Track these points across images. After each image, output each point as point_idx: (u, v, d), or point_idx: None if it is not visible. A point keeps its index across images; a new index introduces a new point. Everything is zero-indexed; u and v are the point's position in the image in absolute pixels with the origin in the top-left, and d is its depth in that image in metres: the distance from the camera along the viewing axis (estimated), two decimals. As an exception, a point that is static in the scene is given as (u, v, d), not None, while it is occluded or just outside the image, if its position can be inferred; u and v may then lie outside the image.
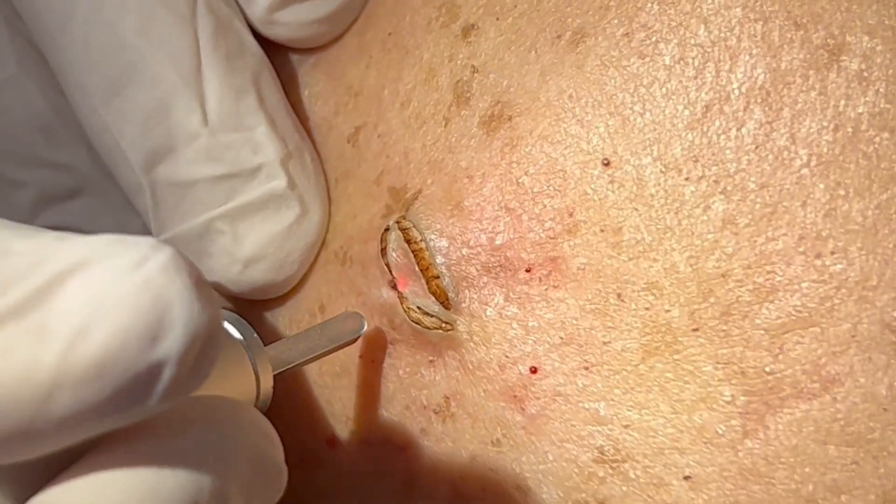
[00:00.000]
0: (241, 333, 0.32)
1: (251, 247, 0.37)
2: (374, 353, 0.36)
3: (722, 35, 0.32)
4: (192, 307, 0.22)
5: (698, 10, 0.32)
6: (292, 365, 0.34)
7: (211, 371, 0.23)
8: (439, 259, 0.35)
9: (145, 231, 0.40)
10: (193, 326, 0.22)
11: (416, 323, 0.35)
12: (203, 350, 0.22)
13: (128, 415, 0.22)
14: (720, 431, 0.32)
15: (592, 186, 0.33)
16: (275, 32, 0.40)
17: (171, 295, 0.22)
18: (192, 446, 0.25)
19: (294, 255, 0.38)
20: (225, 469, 0.25)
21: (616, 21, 0.33)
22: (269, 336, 0.39)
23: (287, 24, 0.39)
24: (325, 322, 0.35)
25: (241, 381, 0.31)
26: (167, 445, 0.24)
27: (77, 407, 0.21)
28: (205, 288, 0.23)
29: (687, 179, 0.32)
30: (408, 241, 0.35)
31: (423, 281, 0.35)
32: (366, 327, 0.35)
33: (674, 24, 0.32)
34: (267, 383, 0.32)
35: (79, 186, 0.43)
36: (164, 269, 0.22)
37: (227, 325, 0.33)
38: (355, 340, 0.35)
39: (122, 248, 0.22)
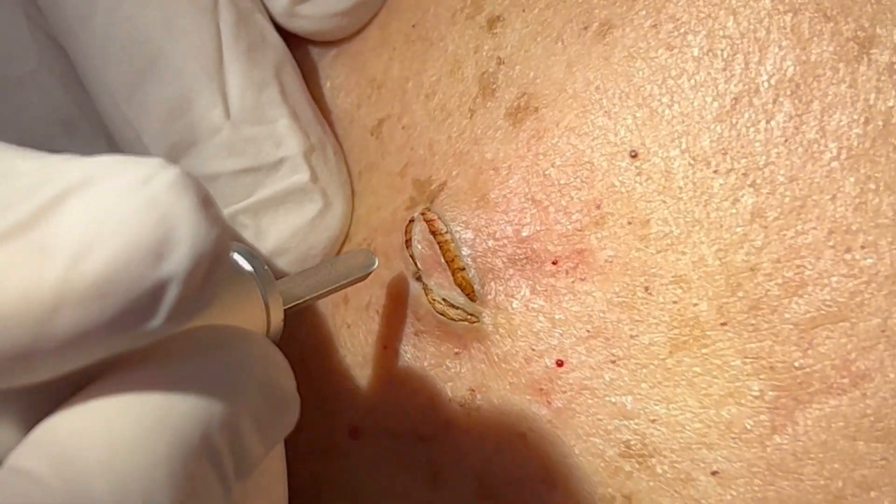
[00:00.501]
0: (252, 266, 0.31)
1: (274, 240, 0.37)
2: (399, 343, 0.36)
3: (751, 27, 0.32)
4: (198, 225, 0.21)
5: (727, 1, 0.32)
6: (303, 300, 0.33)
7: (218, 292, 0.23)
8: (465, 251, 0.35)
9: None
10: (200, 245, 0.21)
11: (442, 315, 0.35)
12: (210, 269, 0.22)
13: (133, 336, 0.22)
14: (748, 426, 0.32)
15: (620, 178, 0.33)
16: (297, 25, 0.40)
17: (178, 213, 0.21)
18: (202, 373, 0.24)
19: (317, 249, 0.38)
20: (236, 397, 0.25)
21: (644, 12, 0.33)
22: (293, 328, 0.39)
23: (309, 17, 0.39)
24: (335, 258, 0.35)
25: (250, 313, 0.31)
26: (178, 372, 0.24)
27: (81, 326, 0.21)
28: (212, 207, 0.22)
29: (716, 172, 0.32)
30: (433, 233, 0.35)
31: (449, 273, 0.35)
32: (376, 265, 0.35)
33: (702, 15, 0.32)
34: (277, 316, 0.32)
35: (100, 179, 0.42)
36: (170, 186, 0.21)
37: (238, 258, 0.32)
38: (366, 277, 0.35)
39: (128, 166, 0.22)
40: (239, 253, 0.32)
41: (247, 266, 0.31)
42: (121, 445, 0.22)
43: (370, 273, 0.35)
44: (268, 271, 0.32)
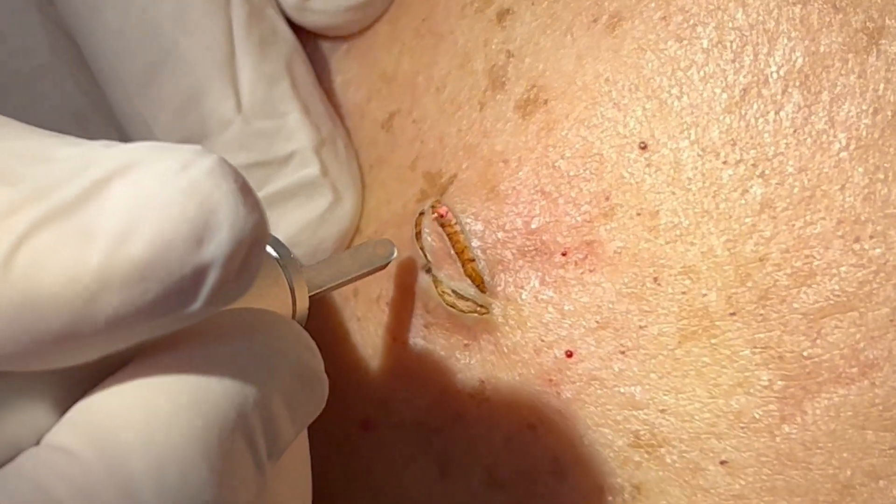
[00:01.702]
0: (279, 253, 0.32)
1: (284, 234, 0.38)
2: (409, 335, 0.36)
3: (760, 18, 0.32)
4: (237, 211, 0.22)
5: (736, -7, 0.32)
6: (325, 287, 0.33)
7: (256, 275, 0.23)
8: (475, 242, 0.35)
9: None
10: (239, 230, 0.22)
11: (451, 307, 0.35)
12: (248, 254, 0.22)
13: (173, 318, 0.22)
14: (757, 416, 0.32)
15: (629, 170, 0.33)
16: (308, 20, 0.40)
17: (217, 198, 0.22)
18: (236, 355, 0.25)
19: (327, 242, 0.38)
20: (269, 378, 0.25)
21: (653, 4, 0.33)
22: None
23: (320, 12, 0.40)
24: (356, 247, 0.35)
25: (277, 298, 0.31)
26: (213, 353, 0.24)
27: (122, 309, 0.21)
28: (250, 193, 0.22)
29: (724, 163, 0.32)
30: (443, 225, 0.35)
31: (459, 264, 0.35)
32: (396, 254, 0.35)
33: (712, 7, 0.32)
34: (303, 303, 0.32)
35: (112, 173, 0.43)
36: (209, 172, 0.22)
37: None
38: (386, 265, 0.35)
39: (168, 152, 0.22)
40: None
41: (273, 253, 0.32)
42: (157, 423, 0.23)
43: (391, 262, 0.35)
44: (294, 258, 0.32)
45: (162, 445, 0.22)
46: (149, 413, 0.23)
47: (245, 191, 0.22)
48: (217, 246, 0.22)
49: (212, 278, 0.22)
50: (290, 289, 0.31)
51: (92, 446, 0.22)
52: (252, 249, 0.22)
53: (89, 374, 0.24)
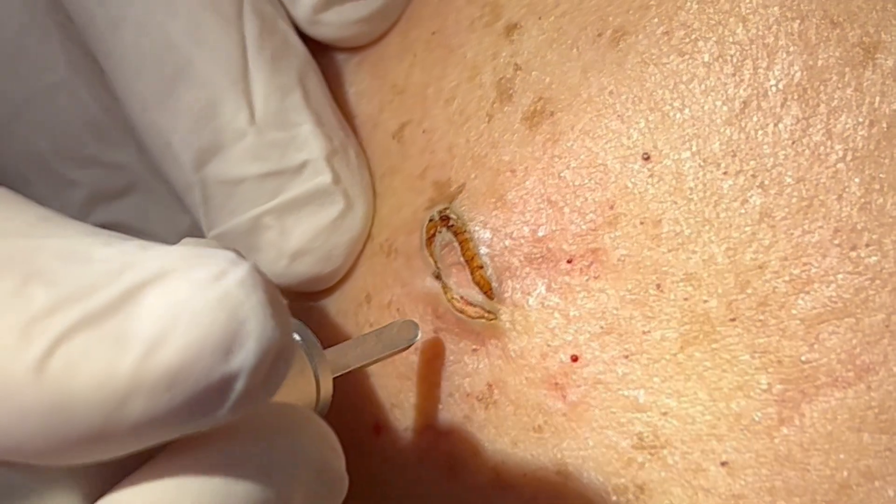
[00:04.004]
0: (303, 338, 0.32)
1: (298, 241, 0.38)
2: (419, 342, 0.37)
3: (760, 33, 0.33)
4: (266, 323, 0.23)
5: (737, 8, 0.33)
6: (348, 369, 0.34)
7: (281, 384, 0.24)
8: (483, 250, 0.35)
9: (194, 227, 0.41)
10: (266, 342, 0.23)
11: (460, 312, 0.36)
12: (275, 364, 0.23)
13: (199, 423, 0.23)
14: (757, 418, 0.32)
15: (632, 180, 0.34)
16: (319, 32, 0.41)
17: (247, 310, 0.22)
18: (261, 455, 0.25)
19: (339, 249, 0.39)
20: (291, 478, 0.26)
21: (656, 20, 0.34)
22: (318, 326, 0.40)
23: (331, 24, 0.40)
24: (381, 329, 0.35)
25: (302, 386, 0.32)
26: (237, 454, 0.25)
27: (149, 414, 0.22)
28: (279, 304, 0.23)
29: (725, 174, 0.33)
30: (454, 233, 0.36)
31: (468, 271, 0.36)
32: (420, 336, 0.35)
33: (713, 22, 0.33)
34: (327, 388, 0.33)
35: (130, 185, 0.43)
36: (240, 283, 0.23)
37: None
38: (410, 347, 0.35)
39: (202, 260, 0.23)
40: None
41: (297, 338, 0.32)
42: None
43: (414, 343, 0.36)
44: (317, 343, 0.32)
45: None
46: None
47: (275, 302, 0.23)
48: (245, 356, 0.22)
49: (238, 387, 0.23)
50: (315, 376, 0.32)
51: None
52: (278, 359, 0.23)
53: (117, 468, 0.25)
